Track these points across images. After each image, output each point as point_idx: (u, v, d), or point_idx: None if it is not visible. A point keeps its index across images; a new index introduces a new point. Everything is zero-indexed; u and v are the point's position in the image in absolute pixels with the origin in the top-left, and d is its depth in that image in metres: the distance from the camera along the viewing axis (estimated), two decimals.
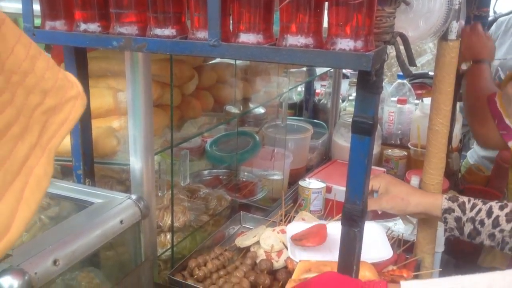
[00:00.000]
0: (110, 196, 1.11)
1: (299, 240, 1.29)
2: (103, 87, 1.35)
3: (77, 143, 1.19)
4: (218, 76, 1.69)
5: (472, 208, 1.15)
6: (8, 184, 0.34)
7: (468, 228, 1.14)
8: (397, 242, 1.47)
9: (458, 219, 1.15)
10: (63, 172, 1.52)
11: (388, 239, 1.38)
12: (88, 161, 1.21)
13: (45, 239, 0.93)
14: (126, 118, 1.17)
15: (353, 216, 0.95)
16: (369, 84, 0.85)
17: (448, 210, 1.16)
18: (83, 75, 1.18)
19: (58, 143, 0.43)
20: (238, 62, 1.78)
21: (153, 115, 1.19)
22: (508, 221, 1.10)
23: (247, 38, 0.86)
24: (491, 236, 1.12)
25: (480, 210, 1.13)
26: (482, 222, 1.12)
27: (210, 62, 1.69)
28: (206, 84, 1.63)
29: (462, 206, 1.16)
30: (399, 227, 1.66)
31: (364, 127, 0.90)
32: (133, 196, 1.10)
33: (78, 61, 1.16)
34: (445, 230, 1.18)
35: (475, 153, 2.70)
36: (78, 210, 1.08)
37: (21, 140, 0.37)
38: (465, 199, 1.18)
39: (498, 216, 1.11)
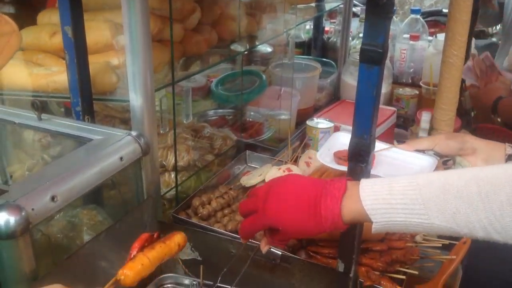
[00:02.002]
0: (110, 132, 1.08)
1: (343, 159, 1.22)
2: (100, 20, 1.29)
3: (74, 79, 1.14)
4: (221, 10, 1.61)
5: None
6: None
7: None
8: None
9: None
10: (65, 111, 1.49)
11: None
12: (86, 97, 1.17)
13: (43, 176, 0.91)
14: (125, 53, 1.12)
15: (360, 151, 0.92)
16: (379, 7, 0.78)
17: None
18: (77, 8, 1.12)
19: None
20: None
21: (154, 51, 1.13)
22: None
23: None
24: None
25: None
26: None
27: None
28: (209, 19, 1.56)
29: None
30: None
31: (373, 56, 0.85)
32: (133, 133, 1.07)
33: None
34: None
35: None
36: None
37: None
38: None
39: None
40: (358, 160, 0.92)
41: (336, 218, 0.83)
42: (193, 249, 1.20)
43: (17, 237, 0.79)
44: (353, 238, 0.94)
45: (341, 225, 0.84)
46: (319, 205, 0.84)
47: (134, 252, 0.88)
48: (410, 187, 0.79)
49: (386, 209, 0.79)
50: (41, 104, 1.14)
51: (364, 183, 0.84)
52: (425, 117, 1.40)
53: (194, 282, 1.12)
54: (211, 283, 1.03)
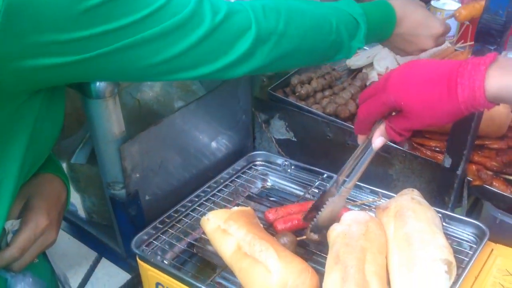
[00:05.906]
0: None
1: None
2: None
3: None
4: None
5: None
6: None
7: None
8: None
9: None
10: None
11: None
12: None
13: None
14: None
15: (491, 30, 0.76)
16: None
17: None
18: None
19: None
20: None
21: None
22: None
23: None
24: None
25: None
26: None
27: None
28: None
29: None
30: None
31: None
32: None
33: None
34: None
35: None
36: None
37: None
38: None
39: None
40: (487, 41, 0.77)
41: (477, 87, 0.64)
42: (287, 129, 1.15)
43: (106, 98, 0.78)
44: (467, 131, 0.82)
45: (482, 100, 0.65)
46: (455, 73, 0.66)
47: None
48: None
49: None
50: None
51: None
52: None
53: (286, 162, 1.08)
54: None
